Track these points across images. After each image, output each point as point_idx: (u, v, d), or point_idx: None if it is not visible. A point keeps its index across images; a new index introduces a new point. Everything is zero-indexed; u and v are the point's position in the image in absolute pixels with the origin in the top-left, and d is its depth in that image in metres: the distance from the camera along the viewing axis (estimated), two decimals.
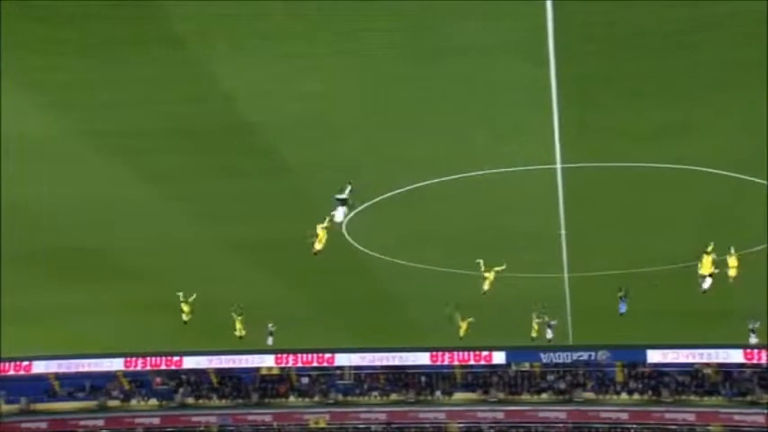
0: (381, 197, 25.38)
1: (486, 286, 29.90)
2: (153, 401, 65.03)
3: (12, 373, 62.46)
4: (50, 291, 36.23)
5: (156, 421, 63.69)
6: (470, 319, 39.12)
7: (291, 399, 64.18)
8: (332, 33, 16.13)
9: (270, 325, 42.87)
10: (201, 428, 63.03)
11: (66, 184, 23.96)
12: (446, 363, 61.51)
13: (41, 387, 65.05)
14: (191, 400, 64.72)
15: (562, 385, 63.14)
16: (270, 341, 43.36)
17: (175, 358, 60.91)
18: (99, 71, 17.05)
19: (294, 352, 60.38)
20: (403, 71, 17.69)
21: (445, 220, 28.34)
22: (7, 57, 16.37)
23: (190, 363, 61.50)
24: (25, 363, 61.66)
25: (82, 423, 63.90)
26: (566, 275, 35.63)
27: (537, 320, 39.38)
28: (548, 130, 20.37)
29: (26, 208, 25.37)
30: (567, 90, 18.22)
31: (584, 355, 59.73)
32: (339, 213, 22.76)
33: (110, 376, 64.70)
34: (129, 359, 60.88)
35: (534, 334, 39.62)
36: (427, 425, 62.66)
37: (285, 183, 24.30)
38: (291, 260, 30.69)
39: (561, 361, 60.72)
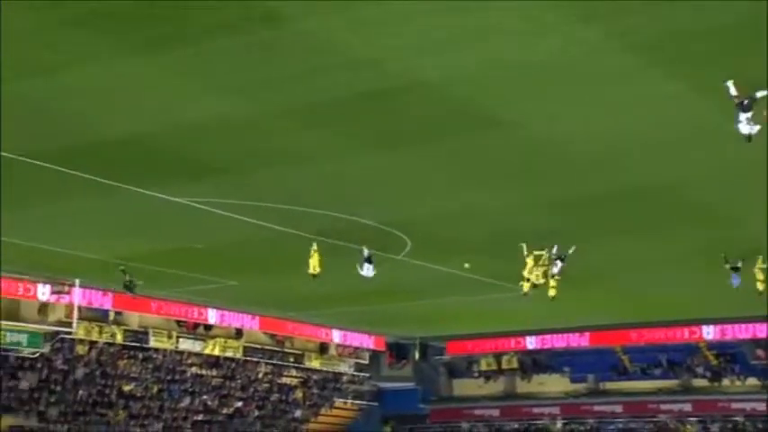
0: None
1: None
2: (752, 381, 59.47)
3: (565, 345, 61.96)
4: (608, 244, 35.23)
5: (760, 406, 57.97)
6: None
7: None
8: None
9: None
10: None
11: (614, 112, 22.26)
12: None
13: (609, 362, 63.60)
14: None
15: None
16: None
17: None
18: None
19: None
20: None
21: None
22: None
23: None
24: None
25: (664, 407, 60.98)
26: None
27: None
28: None
29: (563, 144, 24.54)
30: None
31: None
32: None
33: (691, 349, 60.84)
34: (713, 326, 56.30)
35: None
36: None
37: None
38: None
39: None
